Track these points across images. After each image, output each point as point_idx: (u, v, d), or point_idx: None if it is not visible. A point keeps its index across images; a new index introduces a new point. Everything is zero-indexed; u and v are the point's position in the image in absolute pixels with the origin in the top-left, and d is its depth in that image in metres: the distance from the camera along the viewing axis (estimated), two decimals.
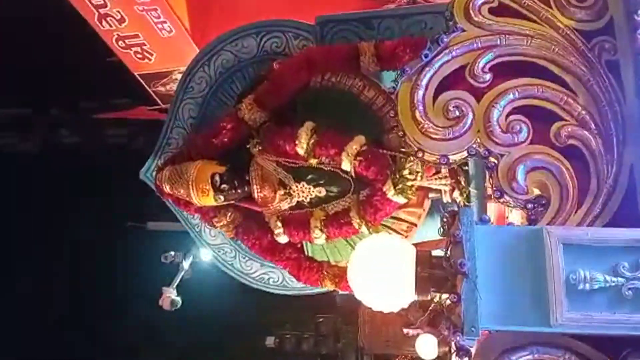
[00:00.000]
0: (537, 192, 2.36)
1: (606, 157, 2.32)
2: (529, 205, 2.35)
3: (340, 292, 3.83)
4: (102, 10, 7.31)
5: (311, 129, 3.27)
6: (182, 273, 8.57)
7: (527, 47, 2.47)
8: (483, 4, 2.53)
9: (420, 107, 2.49)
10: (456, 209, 2.22)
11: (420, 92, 2.50)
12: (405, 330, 5.65)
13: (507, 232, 2.20)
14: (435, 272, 2.22)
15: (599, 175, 2.32)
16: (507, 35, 2.49)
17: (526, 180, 2.37)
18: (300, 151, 3.29)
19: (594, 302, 2.04)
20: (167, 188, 3.55)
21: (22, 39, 8.48)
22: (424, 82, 2.51)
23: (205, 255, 8.99)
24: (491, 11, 2.53)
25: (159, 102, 8.29)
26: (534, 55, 2.46)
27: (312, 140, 3.25)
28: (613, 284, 2.04)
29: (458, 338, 2.06)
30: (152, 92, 8.28)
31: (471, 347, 2.23)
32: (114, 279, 9.08)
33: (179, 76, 8.38)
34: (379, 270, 2.27)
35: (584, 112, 2.37)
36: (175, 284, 8.23)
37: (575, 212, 2.32)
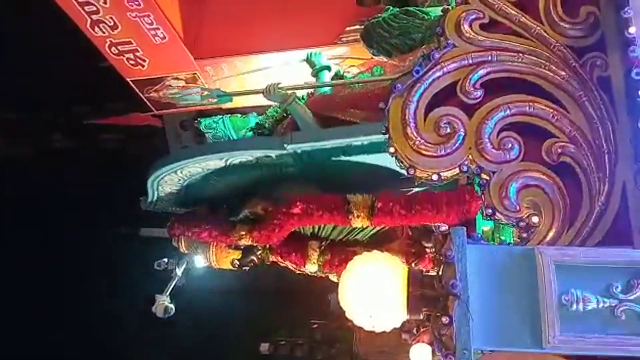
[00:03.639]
0: (528, 210, 2.33)
1: (598, 175, 2.30)
2: (521, 224, 2.33)
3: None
4: (94, 17, 7.24)
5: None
6: (176, 280, 8.53)
7: (518, 64, 2.46)
8: (474, 19, 2.51)
9: (412, 123, 2.47)
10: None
11: (412, 108, 2.48)
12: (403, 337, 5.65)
13: (499, 251, 2.19)
14: (427, 291, 2.20)
15: (591, 193, 2.30)
16: (498, 52, 2.47)
17: (518, 198, 2.35)
18: (312, 268, 3.79)
19: (587, 324, 2.03)
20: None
21: (15, 43, 8.44)
22: (415, 98, 2.49)
23: (199, 262, 8.98)
24: (482, 27, 2.51)
25: (152, 108, 8.25)
26: (525, 72, 2.45)
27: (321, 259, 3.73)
28: (606, 305, 2.03)
29: (451, 357, 2.04)
30: (145, 98, 8.24)
31: None
32: (106, 286, 9.04)
33: (173, 82, 8.39)
34: (371, 290, 2.25)
35: (575, 129, 2.36)
36: (169, 291, 8.18)
37: (567, 230, 2.31)
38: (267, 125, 4.53)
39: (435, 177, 2.45)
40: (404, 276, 2.26)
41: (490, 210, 2.37)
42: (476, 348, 2.05)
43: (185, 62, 7.77)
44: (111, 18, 7.35)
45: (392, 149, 2.50)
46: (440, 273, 2.17)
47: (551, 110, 2.39)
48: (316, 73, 4.57)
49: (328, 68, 4.54)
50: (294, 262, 3.95)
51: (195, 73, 7.97)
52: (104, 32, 7.51)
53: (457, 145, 2.44)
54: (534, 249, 2.10)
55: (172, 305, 7.94)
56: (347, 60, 5.33)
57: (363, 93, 3.85)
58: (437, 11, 3.31)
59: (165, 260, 8.69)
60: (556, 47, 2.44)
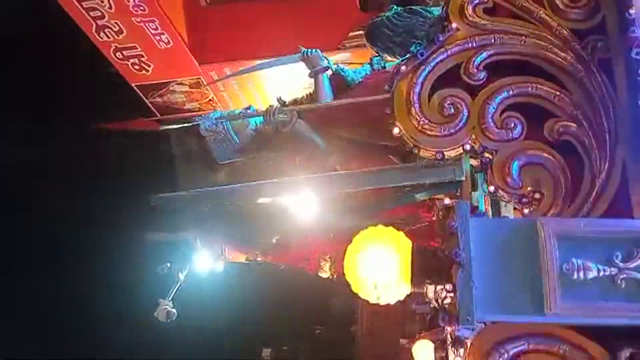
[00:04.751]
0: (531, 187, 2.38)
1: (599, 153, 2.35)
2: (523, 200, 2.38)
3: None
4: (100, 22, 7.34)
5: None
6: (179, 284, 8.54)
7: (521, 46, 2.52)
8: (478, 4, 2.58)
9: (416, 105, 2.53)
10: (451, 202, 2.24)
11: (417, 90, 2.54)
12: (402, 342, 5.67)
13: (501, 223, 2.24)
14: (431, 263, 2.25)
15: (592, 171, 2.35)
16: (501, 35, 2.53)
17: (520, 175, 2.40)
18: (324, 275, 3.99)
19: (588, 292, 2.06)
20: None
21: (20, 49, 8.52)
22: (419, 80, 2.55)
23: (202, 266, 9.00)
24: (486, 11, 2.58)
25: (157, 113, 8.32)
26: (528, 54, 2.51)
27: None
28: (606, 273, 2.06)
29: (454, 327, 2.08)
30: (149, 104, 8.31)
31: (466, 338, 2.26)
32: (109, 289, 9.05)
33: (177, 87, 8.48)
34: (376, 262, 2.30)
35: (577, 109, 2.41)
36: (171, 296, 8.19)
37: (569, 206, 2.35)
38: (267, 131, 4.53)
39: (439, 155, 2.50)
40: (408, 250, 2.31)
41: (493, 188, 2.41)
42: (479, 316, 2.08)
43: (190, 67, 7.88)
44: (116, 23, 7.45)
45: (396, 130, 2.56)
46: (443, 244, 2.21)
47: (553, 91, 2.45)
48: (315, 74, 4.57)
49: (328, 68, 4.55)
50: (306, 269, 4.07)
51: (200, 78, 8.07)
52: (109, 37, 7.61)
53: (460, 125, 2.49)
54: (536, 220, 2.15)
55: (174, 310, 7.95)
56: (350, 65, 5.39)
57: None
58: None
59: (169, 264, 8.72)
60: (558, 30, 2.50)
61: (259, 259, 4.31)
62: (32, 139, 9.43)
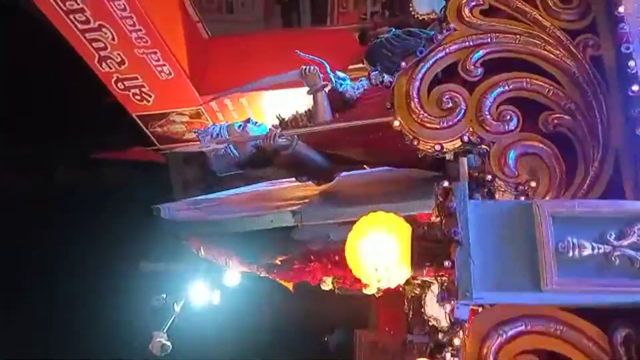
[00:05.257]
0: (526, 175, 2.46)
1: (592, 143, 2.44)
2: (520, 188, 2.45)
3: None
4: (102, 53, 7.49)
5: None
6: (174, 316, 8.50)
7: (515, 44, 2.63)
8: (474, 6, 2.70)
9: (416, 99, 2.62)
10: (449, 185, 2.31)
11: (416, 85, 2.64)
12: None
13: (499, 206, 2.31)
14: (430, 245, 2.31)
15: (586, 160, 2.43)
16: (497, 34, 2.65)
17: (516, 164, 2.48)
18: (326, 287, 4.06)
19: (583, 268, 2.12)
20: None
21: (23, 77, 8.65)
22: (419, 76, 2.65)
23: (198, 298, 8.98)
24: (482, 12, 2.70)
25: (156, 142, 8.42)
26: (522, 52, 2.62)
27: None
28: (601, 251, 2.12)
29: (453, 303, 2.13)
30: (149, 133, 8.42)
31: (464, 321, 2.31)
32: (103, 320, 9.00)
33: (177, 117, 8.59)
34: (376, 246, 2.36)
35: (570, 102, 2.51)
36: (166, 328, 8.16)
37: (563, 194, 2.43)
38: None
39: (438, 147, 2.59)
40: (408, 234, 2.37)
41: (490, 177, 2.49)
42: (477, 294, 2.13)
43: (190, 98, 8.01)
44: (119, 54, 7.62)
45: (396, 123, 2.65)
46: (443, 225, 2.28)
47: (547, 86, 2.55)
48: (314, 93, 4.65)
49: (326, 85, 4.62)
50: (308, 281, 4.15)
51: (200, 108, 8.19)
52: (110, 68, 7.78)
53: (458, 118, 2.58)
54: (532, 202, 2.22)
55: (169, 343, 7.92)
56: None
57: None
58: None
59: (164, 295, 8.69)
60: (551, 29, 2.61)
61: (262, 275, 4.34)
62: (29, 166, 9.53)
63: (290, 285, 9.05)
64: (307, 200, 4.12)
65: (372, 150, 4.09)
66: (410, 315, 7.54)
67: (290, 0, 9.51)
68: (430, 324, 5.08)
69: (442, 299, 2.26)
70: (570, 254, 2.13)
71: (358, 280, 4.08)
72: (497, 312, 2.28)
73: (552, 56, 2.58)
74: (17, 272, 8.88)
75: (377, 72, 4.11)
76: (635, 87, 2.37)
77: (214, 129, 4.29)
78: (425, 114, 2.60)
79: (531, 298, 2.16)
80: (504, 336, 2.24)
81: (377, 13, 8.59)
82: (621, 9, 2.46)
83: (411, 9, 4.75)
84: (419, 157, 3.88)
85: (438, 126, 2.58)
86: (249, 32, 8.99)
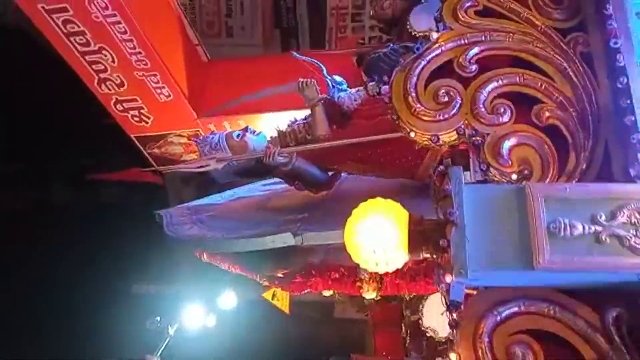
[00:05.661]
0: (520, 164, 2.55)
1: (583, 133, 2.53)
2: (513, 176, 2.53)
3: None
4: (102, 75, 7.60)
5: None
6: (168, 340, 8.45)
7: (509, 42, 2.74)
8: (469, 6, 2.81)
9: (413, 93, 2.72)
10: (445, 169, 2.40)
11: (413, 80, 2.74)
12: None
13: (493, 189, 2.39)
14: (427, 228, 2.38)
15: (577, 149, 2.52)
16: (491, 32, 2.76)
17: (510, 154, 2.56)
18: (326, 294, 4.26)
19: (574, 247, 2.20)
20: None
21: (22, 97, 8.74)
22: (416, 72, 2.75)
23: (192, 321, 8.94)
24: (476, 13, 2.81)
25: (154, 164, 8.48)
26: (515, 49, 2.72)
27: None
28: (591, 231, 2.20)
29: (448, 280, 2.19)
30: (147, 155, 8.49)
31: (460, 303, 2.37)
32: (95, 343, 8.94)
33: (175, 139, 8.66)
34: (375, 231, 2.43)
35: (561, 95, 2.60)
36: (160, 352, 8.11)
37: (556, 181, 2.51)
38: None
39: (434, 139, 2.68)
40: (406, 219, 2.44)
41: (485, 166, 2.58)
42: (472, 273, 2.20)
43: (189, 120, 8.10)
44: (118, 76, 7.73)
45: (395, 116, 2.74)
46: (439, 208, 2.36)
47: (539, 80, 2.65)
48: (312, 107, 4.71)
49: (324, 99, 4.70)
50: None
51: (198, 130, 8.28)
52: (110, 90, 7.88)
53: (454, 111, 2.67)
54: (525, 185, 2.31)
55: None
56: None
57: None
58: None
59: (158, 318, 8.66)
60: (542, 28, 2.73)
61: (264, 284, 4.39)
62: (26, 185, 9.58)
63: (286, 309, 9.06)
64: (306, 215, 4.17)
65: (370, 166, 4.17)
66: (408, 340, 7.55)
67: (290, 25, 9.66)
68: (428, 335, 5.13)
69: (438, 281, 2.32)
70: (562, 233, 2.20)
71: (356, 289, 4.15)
72: (492, 294, 2.34)
73: (544, 53, 2.68)
74: (8, 292, 8.86)
75: (374, 82, 4.20)
76: (623, 80, 2.46)
77: (212, 138, 4.35)
78: (422, 107, 2.69)
79: (524, 276, 2.22)
80: (499, 317, 2.30)
81: (375, 38, 8.76)
82: (609, 7, 2.57)
83: (409, 27, 4.84)
84: (417, 173, 3.98)
85: (434, 119, 2.67)
86: (248, 56, 9.12)
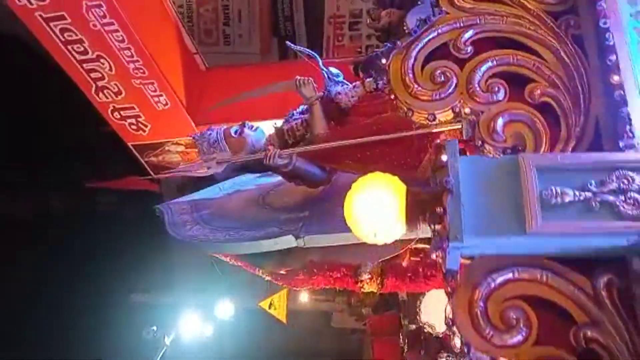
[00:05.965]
0: (513, 139, 2.63)
1: (574, 110, 2.62)
2: (507, 151, 2.61)
3: None
4: (100, 83, 7.66)
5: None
6: (164, 349, 8.47)
7: (502, 25, 2.83)
8: None
9: (410, 74, 2.81)
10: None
11: (410, 62, 2.83)
12: None
13: (487, 160, 2.47)
14: (424, 198, 2.46)
15: (568, 125, 2.60)
16: (485, 16, 2.85)
17: (504, 130, 2.65)
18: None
19: (566, 213, 2.28)
20: None
21: (19, 106, 8.81)
22: (413, 54, 2.84)
23: (189, 330, 8.96)
24: None
25: (151, 172, 8.52)
26: (509, 31, 2.82)
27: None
28: (582, 197, 2.28)
29: (444, 245, 2.27)
30: (144, 163, 8.53)
31: (456, 272, 2.44)
32: (91, 353, 8.96)
33: (172, 147, 8.71)
34: (373, 202, 2.50)
35: (553, 75, 2.69)
36: None
37: None
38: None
39: (431, 117, 2.76)
40: (403, 192, 2.52)
41: (480, 142, 2.66)
42: (467, 237, 2.27)
43: (186, 128, 8.16)
44: (116, 85, 7.81)
45: (393, 96, 2.83)
46: (435, 178, 2.44)
47: (532, 60, 2.74)
48: (310, 105, 4.74)
49: (321, 97, 4.74)
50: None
51: None
52: (107, 98, 7.95)
53: (450, 90, 2.77)
54: (517, 156, 2.39)
55: None
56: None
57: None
58: None
59: (155, 327, 8.67)
60: (535, 11, 2.82)
61: (266, 278, 4.43)
62: (24, 193, 9.63)
63: (284, 318, 9.07)
64: (306, 214, 4.20)
65: (369, 166, 4.23)
66: (406, 349, 7.60)
67: (287, 33, 9.78)
68: (425, 330, 5.19)
69: (434, 248, 2.39)
70: (553, 200, 2.28)
71: (357, 283, 4.19)
72: (487, 262, 2.41)
73: (537, 35, 2.77)
74: (5, 301, 8.87)
75: (371, 78, 4.28)
76: (612, 57, 2.56)
77: (210, 134, 4.37)
78: (419, 87, 2.78)
79: (517, 241, 2.29)
80: (493, 284, 2.36)
81: (372, 47, 8.87)
82: None
83: (405, 27, 4.95)
84: (415, 174, 4.05)
85: (431, 98, 2.76)
86: (245, 64, 9.22)
